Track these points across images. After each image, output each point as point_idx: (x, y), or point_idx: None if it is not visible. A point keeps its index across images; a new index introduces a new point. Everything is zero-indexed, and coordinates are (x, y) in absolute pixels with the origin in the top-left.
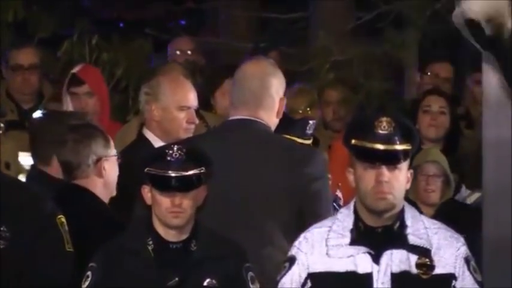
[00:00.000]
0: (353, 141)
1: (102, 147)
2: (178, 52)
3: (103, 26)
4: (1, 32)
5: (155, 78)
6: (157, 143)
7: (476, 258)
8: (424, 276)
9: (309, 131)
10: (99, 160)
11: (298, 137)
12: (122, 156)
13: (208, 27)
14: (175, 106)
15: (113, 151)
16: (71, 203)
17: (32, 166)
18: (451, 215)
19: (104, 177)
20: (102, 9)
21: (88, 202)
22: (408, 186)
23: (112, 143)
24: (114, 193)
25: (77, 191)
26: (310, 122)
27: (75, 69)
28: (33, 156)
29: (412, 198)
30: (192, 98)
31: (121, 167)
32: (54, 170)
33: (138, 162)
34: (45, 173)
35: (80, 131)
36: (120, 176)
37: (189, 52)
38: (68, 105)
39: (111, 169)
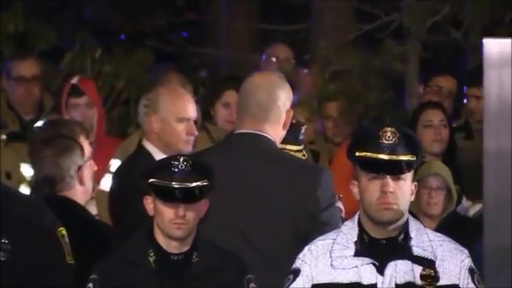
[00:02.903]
0: (357, 153)
1: (80, 156)
2: (274, 59)
3: (104, 38)
4: (2, 44)
5: (154, 90)
6: (158, 154)
7: (478, 270)
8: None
9: (301, 137)
10: (79, 169)
11: (292, 144)
12: (121, 167)
13: (210, 39)
14: (174, 118)
15: (86, 156)
16: (60, 215)
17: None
18: (453, 228)
19: (85, 184)
20: (102, 21)
21: (77, 214)
22: (412, 198)
23: (85, 150)
24: (90, 197)
25: (63, 203)
26: (302, 128)
27: (74, 80)
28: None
29: (414, 211)
30: (191, 110)
31: (122, 178)
32: None
33: (140, 173)
34: None
35: (57, 144)
36: (121, 188)
37: (285, 60)
38: (70, 115)
39: (88, 174)
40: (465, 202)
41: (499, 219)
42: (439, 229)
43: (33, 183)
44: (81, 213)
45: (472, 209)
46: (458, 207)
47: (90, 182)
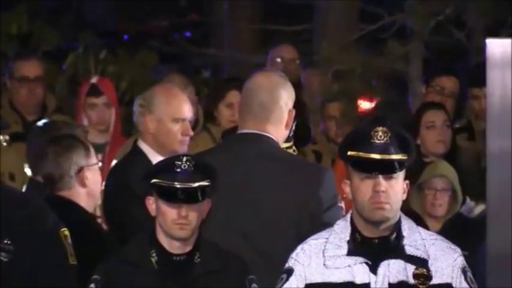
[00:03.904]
0: (349, 152)
1: (83, 157)
2: (278, 59)
3: (107, 39)
4: (5, 45)
5: (149, 90)
6: (152, 155)
7: (482, 271)
8: (422, 287)
9: (291, 134)
10: (80, 170)
11: (284, 141)
12: (116, 168)
13: (213, 40)
14: (169, 118)
15: (94, 159)
16: (57, 215)
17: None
18: (458, 230)
19: (88, 187)
20: (105, 22)
21: (73, 213)
22: (404, 197)
23: (93, 152)
24: (99, 201)
25: (61, 203)
26: (293, 125)
27: (94, 80)
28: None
29: (419, 212)
30: (186, 110)
31: (115, 178)
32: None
33: (133, 173)
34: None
35: (60, 143)
36: (113, 188)
37: (290, 61)
38: (87, 115)
39: (94, 177)
40: (469, 202)
41: (502, 219)
42: (443, 230)
43: (28, 182)
44: (80, 213)
45: (476, 209)
46: (462, 207)
47: (97, 185)
